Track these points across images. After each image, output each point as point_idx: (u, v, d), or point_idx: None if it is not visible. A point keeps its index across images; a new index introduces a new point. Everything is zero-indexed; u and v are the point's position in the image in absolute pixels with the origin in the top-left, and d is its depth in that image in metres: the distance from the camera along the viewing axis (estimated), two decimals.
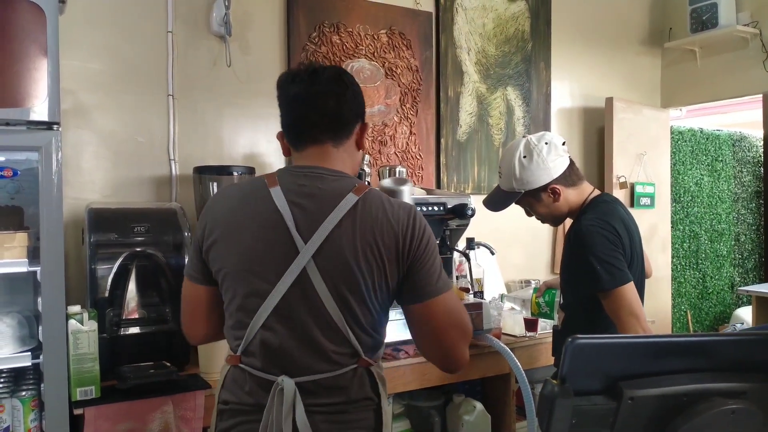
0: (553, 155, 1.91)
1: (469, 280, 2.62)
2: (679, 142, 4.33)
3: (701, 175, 4.50)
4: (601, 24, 3.75)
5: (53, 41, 1.68)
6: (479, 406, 2.40)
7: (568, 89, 3.63)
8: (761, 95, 3.71)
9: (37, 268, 1.69)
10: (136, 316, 2.02)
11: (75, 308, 1.81)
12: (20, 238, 1.73)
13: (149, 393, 1.82)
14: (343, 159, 1.40)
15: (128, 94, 2.40)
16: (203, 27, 2.55)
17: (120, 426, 1.76)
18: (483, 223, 2.63)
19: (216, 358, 1.95)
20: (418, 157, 3.06)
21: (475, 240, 2.70)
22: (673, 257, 4.16)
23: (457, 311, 1.39)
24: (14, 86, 1.65)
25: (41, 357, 1.71)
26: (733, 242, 4.73)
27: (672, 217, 4.15)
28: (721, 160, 4.64)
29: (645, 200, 3.72)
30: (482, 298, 2.47)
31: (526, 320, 2.54)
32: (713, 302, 4.60)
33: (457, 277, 2.69)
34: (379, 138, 2.94)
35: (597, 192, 1.99)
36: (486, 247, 2.84)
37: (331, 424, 1.31)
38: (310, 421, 1.27)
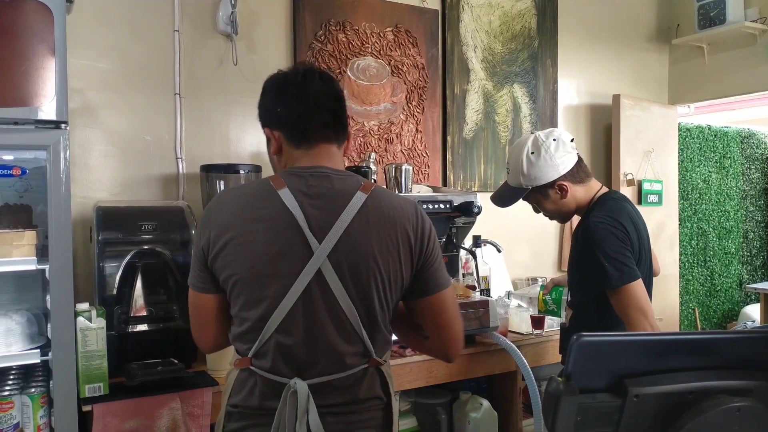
0: (561, 152, 1.91)
1: (476, 277, 2.62)
2: (686, 139, 4.31)
3: (709, 172, 4.48)
4: (608, 20, 3.73)
5: (61, 40, 1.69)
6: (486, 403, 2.40)
7: (575, 86, 3.62)
8: None
9: (46, 266, 1.70)
10: (144, 313, 2.04)
11: (83, 306, 1.82)
12: (29, 237, 1.74)
13: (157, 390, 1.83)
14: (340, 159, 1.42)
15: (135, 92, 2.42)
16: (210, 26, 2.56)
17: (128, 423, 1.78)
18: (489, 221, 2.63)
19: (223, 356, 1.95)
20: (425, 154, 3.06)
21: (482, 237, 2.70)
22: (680, 254, 4.15)
23: (456, 301, 1.47)
24: (22, 85, 1.66)
25: (50, 354, 1.72)
26: (741, 239, 4.70)
27: (680, 214, 4.13)
28: (729, 157, 4.61)
29: (653, 197, 3.71)
30: (489, 296, 2.47)
31: (532, 318, 2.53)
32: (721, 300, 4.58)
33: (463, 275, 2.69)
34: (386, 136, 2.94)
35: (605, 189, 1.99)
36: (492, 244, 2.83)
37: (342, 425, 1.31)
38: (322, 421, 1.27)
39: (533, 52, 3.41)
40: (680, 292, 4.13)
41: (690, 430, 0.85)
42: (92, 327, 1.80)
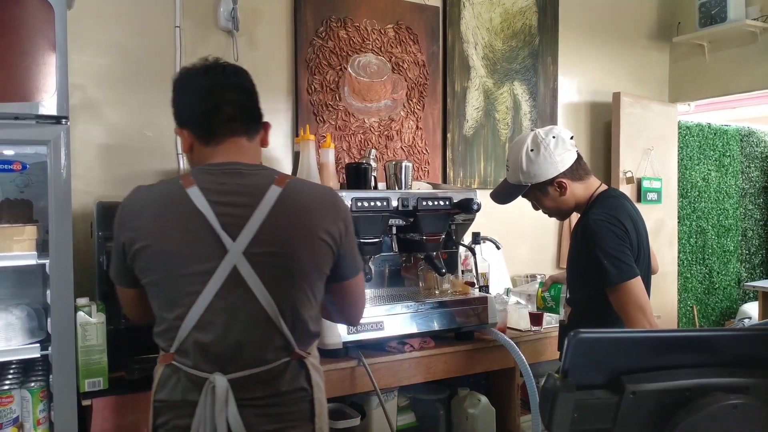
0: (561, 149, 1.91)
1: (475, 274, 2.63)
2: (686, 137, 4.31)
3: (709, 170, 4.48)
4: (609, 18, 3.73)
5: (62, 36, 1.69)
6: (484, 399, 2.41)
7: (575, 84, 3.62)
8: None
9: (46, 261, 1.71)
10: None
11: (83, 300, 1.83)
12: (29, 231, 1.74)
13: None
14: (254, 153, 1.43)
15: (136, 88, 2.42)
16: (211, 22, 2.56)
17: (128, 417, 1.78)
18: (489, 218, 2.63)
19: None
20: (425, 151, 3.06)
21: (481, 234, 2.70)
22: (679, 252, 4.15)
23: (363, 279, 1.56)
24: (23, 81, 1.66)
25: (50, 348, 1.73)
26: (740, 238, 4.71)
27: (679, 212, 4.14)
28: (729, 156, 4.61)
29: (652, 195, 3.71)
30: (487, 293, 2.48)
31: (531, 315, 2.54)
32: (720, 297, 4.59)
33: (462, 272, 2.69)
34: (386, 133, 2.94)
35: (604, 187, 1.99)
36: (492, 241, 2.84)
37: (263, 417, 1.32)
38: (242, 414, 1.29)
39: (534, 49, 3.41)
40: (679, 289, 4.14)
41: (687, 427, 0.86)
42: (92, 322, 1.80)
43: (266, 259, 1.30)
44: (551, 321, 2.54)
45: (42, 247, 1.76)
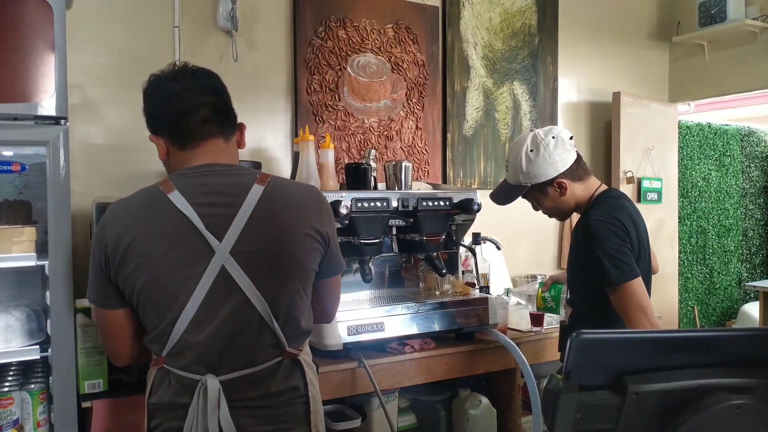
0: (560, 149, 1.91)
1: (475, 275, 2.62)
2: (686, 137, 4.31)
3: (709, 170, 4.48)
4: (609, 18, 3.73)
5: (60, 36, 1.69)
6: (485, 400, 2.41)
7: (575, 84, 3.62)
8: None
9: (46, 262, 1.70)
10: None
11: (83, 302, 1.82)
12: (28, 233, 1.74)
13: None
14: (232, 154, 1.42)
15: (135, 89, 2.37)
16: (210, 22, 2.55)
17: (127, 419, 1.78)
18: (489, 218, 2.62)
19: None
20: (424, 152, 3.06)
21: (482, 235, 2.70)
22: (680, 252, 4.15)
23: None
24: (22, 81, 1.65)
25: (49, 350, 1.72)
26: (740, 237, 4.70)
27: (679, 212, 4.13)
28: (729, 155, 4.61)
29: (652, 195, 3.71)
30: (488, 293, 2.47)
31: (532, 315, 2.54)
32: (720, 298, 4.58)
33: (462, 272, 2.69)
34: (385, 133, 2.94)
35: (604, 187, 1.99)
36: (492, 242, 2.84)
37: (256, 419, 1.32)
38: (234, 415, 1.28)
39: (533, 49, 3.41)
40: (679, 289, 4.14)
41: (690, 428, 0.85)
42: (92, 323, 1.80)
43: (254, 257, 1.29)
44: (552, 322, 2.54)
45: (41, 249, 1.76)
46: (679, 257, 4.09)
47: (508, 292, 2.88)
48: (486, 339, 2.36)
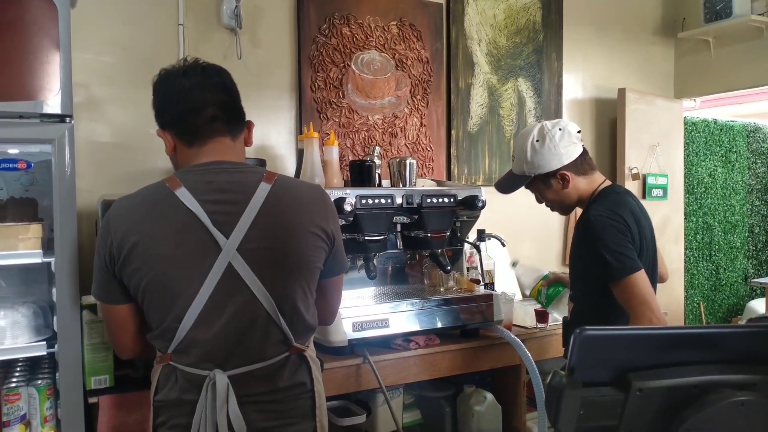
0: (566, 141, 1.91)
1: (480, 271, 2.62)
2: (692, 133, 4.29)
3: (715, 166, 4.46)
4: (614, 14, 3.71)
5: (65, 35, 1.69)
6: (490, 396, 2.41)
7: (580, 80, 3.61)
8: None
9: (52, 259, 1.71)
10: None
11: (89, 298, 1.83)
12: (34, 230, 1.75)
13: None
14: (239, 152, 1.42)
15: (140, 87, 2.41)
16: (214, 20, 2.55)
17: (134, 414, 1.79)
18: (494, 215, 2.62)
19: None
20: (429, 148, 3.05)
21: (486, 232, 2.70)
22: (686, 249, 4.13)
23: None
24: (27, 79, 1.66)
25: (56, 346, 1.73)
26: (746, 234, 4.69)
27: (685, 208, 4.12)
28: (735, 151, 4.59)
29: (657, 192, 3.70)
30: (493, 290, 2.47)
31: (536, 312, 2.54)
32: (726, 294, 4.57)
33: (467, 269, 2.69)
34: (390, 130, 2.94)
35: (608, 183, 1.99)
36: (497, 238, 2.83)
37: (264, 414, 1.33)
38: (242, 410, 1.29)
39: (538, 45, 3.40)
40: (685, 286, 4.12)
41: (694, 424, 0.85)
42: (98, 319, 1.81)
43: (260, 254, 1.30)
44: (557, 318, 2.53)
45: (47, 246, 1.77)
46: (684, 254, 4.08)
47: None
48: (491, 335, 2.36)
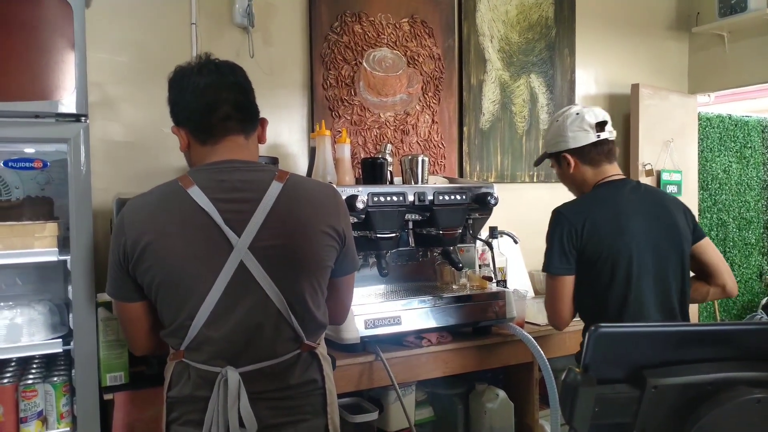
0: (575, 126, 1.97)
1: (492, 269, 2.61)
2: (706, 129, 4.25)
3: (729, 161, 4.42)
4: (627, 9, 3.69)
5: (80, 34, 1.71)
6: (502, 394, 2.41)
7: (593, 76, 3.59)
8: None
9: (67, 257, 1.73)
10: None
11: (104, 296, 1.84)
12: (50, 228, 1.76)
13: None
14: (252, 151, 1.43)
15: (154, 85, 2.42)
16: (226, 18, 2.56)
17: (149, 411, 1.80)
18: (506, 212, 2.62)
19: None
20: (441, 145, 3.05)
21: (498, 229, 2.69)
22: None
23: None
24: (43, 79, 1.68)
25: (72, 344, 1.75)
26: (762, 230, 4.64)
27: (699, 204, 4.08)
28: (750, 147, 4.54)
29: (672, 188, 3.67)
30: (505, 287, 2.46)
31: None
32: (741, 291, 4.53)
33: (479, 266, 2.68)
34: (401, 127, 2.94)
35: (616, 177, 2.00)
36: (509, 235, 2.82)
37: (275, 410, 1.34)
38: (253, 407, 1.30)
39: (550, 41, 3.38)
40: None
41: (709, 422, 0.85)
42: (113, 317, 1.82)
43: (272, 252, 1.31)
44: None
45: (63, 244, 1.79)
46: None
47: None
48: (503, 333, 2.35)
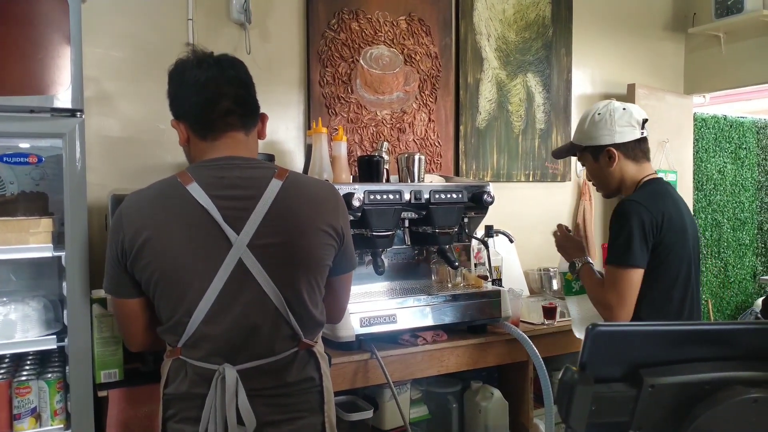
0: (624, 121, 1.94)
1: (488, 267, 2.62)
2: (702, 129, 4.27)
3: (724, 162, 4.44)
4: (624, 9, 3.69)
5: (76, 29, 1.69)
6: (497, 393, 2.41)
7: (589, 75, 3.59)
8: None
9: (62, 253, 1.72)
10: None
11: (99, 292, 1.84)
12: (45, 224, 1.75)
13: None
14: (251, 147, 1.42)
15: (150, 81, 2.42)
16: (223, 14, 2.55)
17: (143, 408, 1.80)
18: (502, 211, 2.62)
19: None
20: (437, 144, 3.05)
21: (494, 227, 2.69)
22: None
23: None
24: (38, 74, 1.67)
25: (66, 340, 1.74)
26: (756, 231, 4.66)
27: (694, 205, 4.10)
28: (745, 148, 4.56)
29: None
30: (500, 286, 2.47)
31: (544, 308, 2.53)
32: (735, 291, 4.55)
33: (475, 265, 2.69)
34: (398, 125, 2.94)
35: (655, 175, 2.00)
36: (505, 234, 2.83)
37: (272, 407, 1.33)
38: (251, 404, 1.30)
39: (547, 41, 3.38)
40: None
41: (705, 421, 0.85)
42: (108, 313, 1.81)
43: (271, 250, 1.30)
44: (565, 314, 2.53)
45: (57, 240, 1.78)
46: None
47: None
48: (498, 331, 2.36)
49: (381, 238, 2.17)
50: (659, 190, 1.94)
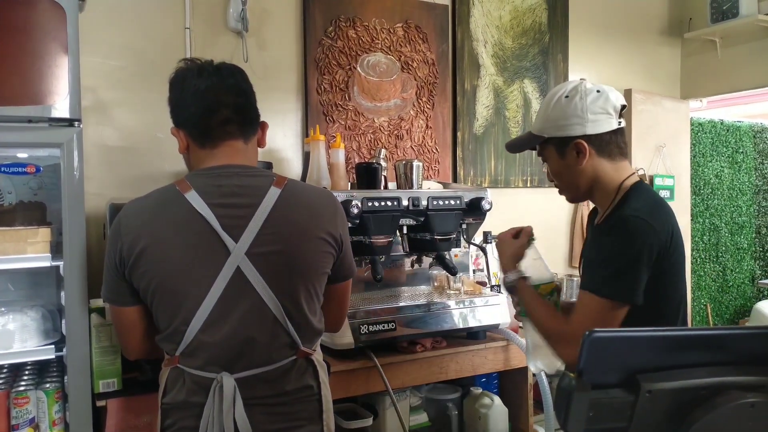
0: (598, 107, 1.52)
1: (486, 273, 2.62)
2: (699, 134, 4.28)
3: (721, 167, 4.45)
4: (620, 15, 3.71)
5: (73, 39, 1.70)
6: (497, 399, 2.41)
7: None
8: None
9: (60, 263, 1.72)
10: None
11: (97, 302, 1.84)
12: (43, 233, 1.75)
13: None
14: (250, 155, 1.42)
15: (147, 90, 2.43)
16: (220, 23, 2.56)
17: (142, 417, 1.79)
18: (500, 217, 2.62)
19: None
20: (435, 150, 3.06)
21: (492, 234, 2.69)
22: (692, 250, 4.12)
23: None
24: (36, 84, 1.67)
25: (64, 350, 1.74)
26: (753, 235, 4.67)
27: (692, 209, 4.11)
28: (742, 152, 4.58)
29: (664, 193, 3.68)
30: (499, 292, 2.47)
31: None
32: (733, 295, 4.55)
33: (473, 271, 2.69)
34: (395, 132, 2.94)
35: (637, 178, 1.59)
36: None
37: (270, 416, 1.33)
38: (249, 413, 1.29)
39: (544, 47, 3.40)
40: (692, 287, 4.11)
41: (703, 426, 0.85)
42: (106, 323, 1.81)
43: (269, 258, 1.30)
44: None
45: (56, 249, 1.78)
46: (691, 255, 4.06)
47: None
48: (497, 338, 2.36)
49: (380, 245, 2.17)
50: (656, 198, 1.55)
